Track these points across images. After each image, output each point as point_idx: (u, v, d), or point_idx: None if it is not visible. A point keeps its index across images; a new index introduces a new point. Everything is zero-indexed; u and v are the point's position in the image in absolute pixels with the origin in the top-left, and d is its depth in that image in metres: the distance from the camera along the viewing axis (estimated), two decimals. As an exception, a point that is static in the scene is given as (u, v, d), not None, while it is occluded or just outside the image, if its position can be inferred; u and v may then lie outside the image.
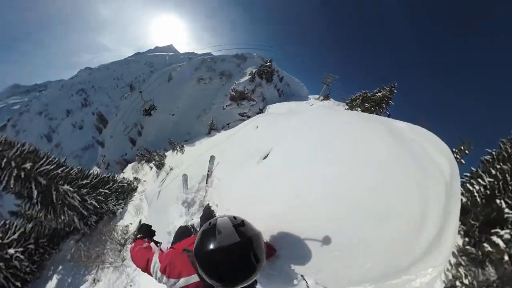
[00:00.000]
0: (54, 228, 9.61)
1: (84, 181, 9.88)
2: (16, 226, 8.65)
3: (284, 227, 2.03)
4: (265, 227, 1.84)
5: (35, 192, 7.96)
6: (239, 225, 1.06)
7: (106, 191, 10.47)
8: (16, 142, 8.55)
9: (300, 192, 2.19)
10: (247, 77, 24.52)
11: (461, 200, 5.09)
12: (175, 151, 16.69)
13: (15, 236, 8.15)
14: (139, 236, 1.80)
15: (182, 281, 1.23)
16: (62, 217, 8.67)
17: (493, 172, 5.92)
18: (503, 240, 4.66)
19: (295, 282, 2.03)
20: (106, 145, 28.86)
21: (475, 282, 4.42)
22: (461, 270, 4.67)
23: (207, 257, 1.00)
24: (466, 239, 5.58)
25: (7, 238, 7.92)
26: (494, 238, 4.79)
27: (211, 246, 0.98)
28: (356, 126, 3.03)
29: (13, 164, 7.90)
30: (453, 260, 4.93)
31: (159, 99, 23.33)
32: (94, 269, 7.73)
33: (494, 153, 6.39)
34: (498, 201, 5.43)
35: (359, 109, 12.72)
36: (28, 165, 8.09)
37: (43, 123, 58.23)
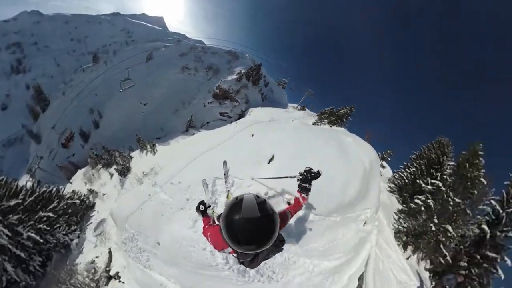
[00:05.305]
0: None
1: (12, 202, 6.94)
2: None
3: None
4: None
5: None
6: (261, 202, 1.24)
7: (50, 214, 7.80)
8: None
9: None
10: (234, 76, 24.55)
11: (397, 181, 10.20)
12: (145, 151, 13.79)
13: None
14: (204, 215, 2.45)
15: (226, 250, 1.74)
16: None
17: (415, 164, 9.94)
18: (420, 201, 7.87)
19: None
20: (43, 139, 20.43)
21: (409, 225, 7.59)
22: (402, 221, 7.85)
23: (230, 224, 1.22)
24: (404, 204, 8.97)
25: None
26: (416, 201, 7.98)
27: (236, 216, 1.20)
28: (318, 141, 6.51)
29: None
30: (396, 217, 8.13)
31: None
32: None
33: (416, 153, 10.64)
34: (418, 181, 9.15)
35: (326, 120, 16.59)
36: None
37: None
